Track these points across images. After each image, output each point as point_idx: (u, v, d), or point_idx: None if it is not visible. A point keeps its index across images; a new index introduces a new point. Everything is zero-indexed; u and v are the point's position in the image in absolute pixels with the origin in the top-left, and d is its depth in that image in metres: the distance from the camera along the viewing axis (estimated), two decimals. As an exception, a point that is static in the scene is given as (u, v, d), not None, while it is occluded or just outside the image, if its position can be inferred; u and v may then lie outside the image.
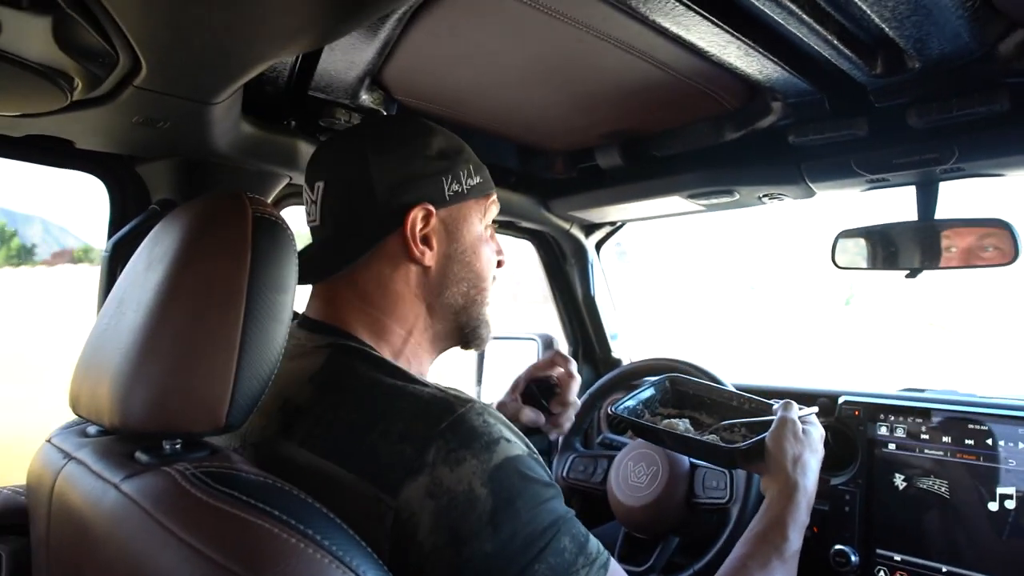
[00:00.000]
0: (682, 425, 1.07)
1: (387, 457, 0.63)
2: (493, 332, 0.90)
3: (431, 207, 0.80)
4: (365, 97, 1.05)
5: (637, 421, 1.09)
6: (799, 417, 0.96)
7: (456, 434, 0.63)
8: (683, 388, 1.18)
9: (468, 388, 1.65)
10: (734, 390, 1.15)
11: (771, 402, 1.06)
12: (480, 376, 1.97)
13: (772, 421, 0.96)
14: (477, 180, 0.86)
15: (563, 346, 1.96)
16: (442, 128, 0.86)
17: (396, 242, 0.80)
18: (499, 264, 0.91)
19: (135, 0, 0.55)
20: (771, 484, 0.91)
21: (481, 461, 0.62)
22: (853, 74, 0.92)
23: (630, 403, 1.12)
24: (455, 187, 0.82)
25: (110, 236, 1.06)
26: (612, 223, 1.82)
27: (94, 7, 0.55)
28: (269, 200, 1.17)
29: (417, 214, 0.79)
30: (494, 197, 0.89)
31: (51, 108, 0.76)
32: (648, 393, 1.15)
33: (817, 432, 0.98)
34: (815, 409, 1.02)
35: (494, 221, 0.90)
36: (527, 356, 1.93)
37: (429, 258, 0.81)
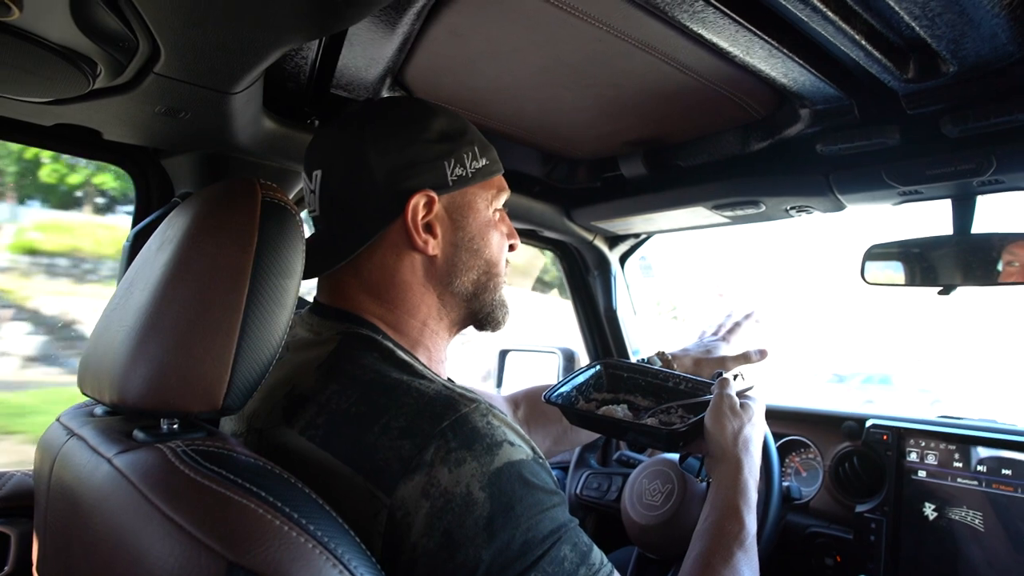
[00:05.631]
0: (620, 411, 1.02)
1: (385, 453, 0.61)
2: (510, 313, 0.87)
3: (433, 193, 0.76)
4: (387, 96, 1.05)
5: (571, 408, 1.03)
6: (738, 392, 0.93)
7: (457, 434, 0.61)
8: (617, 372, 1.13)
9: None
10: (669, 371, 1.10)
11: (709, 381, 1.02)
12: (500, 383, 1.95)
13: (710, 400, 0.93)
14: (483, 162, 0.81)
15: (584, 359, 1.93)
16: (445, 108, 0.82)
17: (398, 231, 0.77)
18: (511, 248, 0.88)
19: None
20: (715, 465, 0.89)
21: (482, 464, 0.60)
22: (884, 79, 0.89)
23: (564, 389, 1.05)
24: (458, 171, 0.78)
25: (133, 226, 1.08)
26: (636, 235, 1.79)
27: None
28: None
29: (418, 201, 0.76)
30: (502, 178, 0.85)
31: (74, 94, 0.77)
32: (581, 379, 1.09)
33: (757, 406, 0.94)
34: (753, 384, 0.99)
35: (506, 208, 0.87)
36: (548, 369, 1.91)
37: (433, 247, 0.78)
